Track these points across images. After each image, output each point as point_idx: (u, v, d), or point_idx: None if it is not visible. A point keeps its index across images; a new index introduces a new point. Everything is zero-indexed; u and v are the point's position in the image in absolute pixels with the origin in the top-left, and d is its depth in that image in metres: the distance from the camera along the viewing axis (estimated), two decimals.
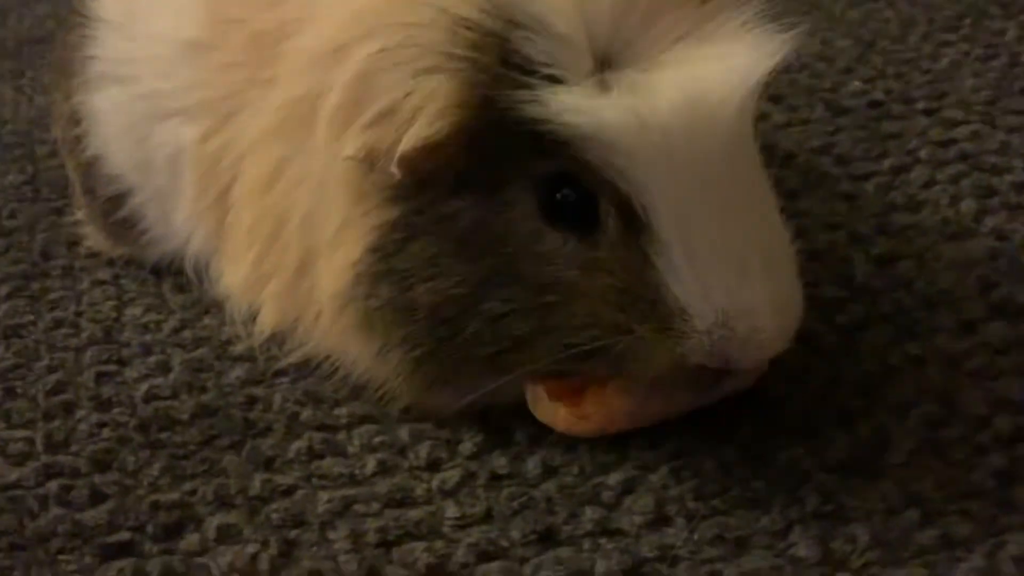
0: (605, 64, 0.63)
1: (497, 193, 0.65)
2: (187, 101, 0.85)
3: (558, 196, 0.64)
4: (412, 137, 0.62)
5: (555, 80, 0.61)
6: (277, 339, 0.82)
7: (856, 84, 1.16)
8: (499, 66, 0.62)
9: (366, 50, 0.66)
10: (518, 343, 0.67)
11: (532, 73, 0.61)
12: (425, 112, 0.62)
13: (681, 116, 0.61)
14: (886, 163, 1.02)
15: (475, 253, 0.66)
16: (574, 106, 0.60)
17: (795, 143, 1.07)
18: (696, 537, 0.66)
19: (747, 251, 0.63)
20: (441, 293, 0.67)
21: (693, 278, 0.63)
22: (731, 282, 0.63)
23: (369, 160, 0.65)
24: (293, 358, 0.81)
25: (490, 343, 0.67)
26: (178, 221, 0.90)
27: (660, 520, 0.68)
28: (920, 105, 1.11)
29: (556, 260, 0.65)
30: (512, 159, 0.64)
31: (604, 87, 0.62)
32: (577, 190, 0.64)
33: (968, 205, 0.95)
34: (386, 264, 0.68)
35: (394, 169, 0.64)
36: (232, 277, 0.84)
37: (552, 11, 0.62)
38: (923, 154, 1.03)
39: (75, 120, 0.95)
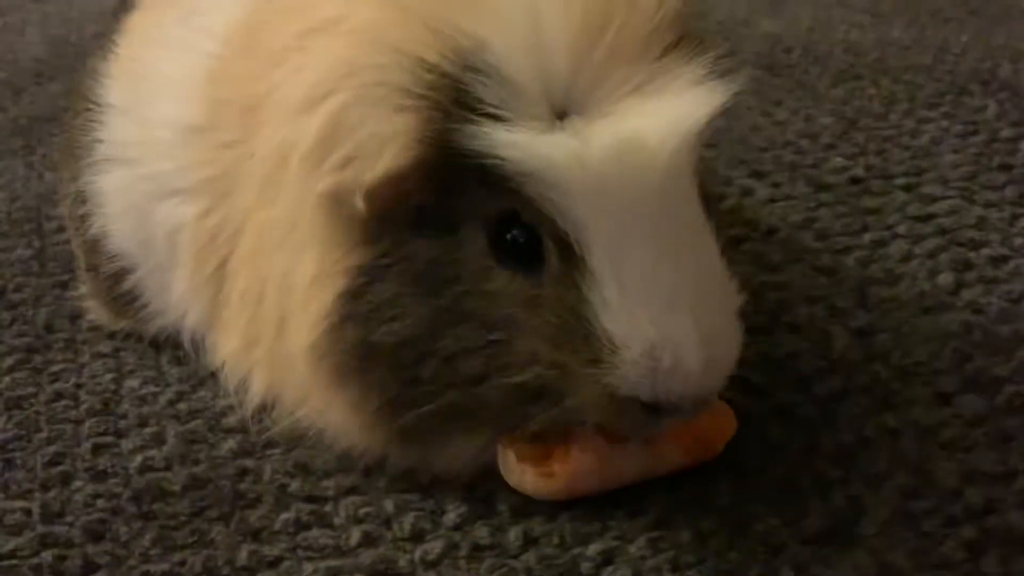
0: (562, 114, 0.66)
1: (452, 232, 0.69)
2: (187, 181, 0.88)
3: (508, 236, 0.68)
4: (376, 171, 0.66)
5: (503, 120, 0.65)
6: (268, 408, 0.84)
7: (838, 160, 1.20)
8: (453, 105, 0.66)
9: (337, 95, 0.69)
10: (470, 383, 0.69)
11: (484, 114, 0.65)
12: (388, 147, 0.66)
13: (614, 158, 0.64)
14: (866, 237, 1.05)
15: (431, 292, 0.69)
16: (516, 142, 0.64)
17: (778, 218, 1.11)
18: None
19: (677, 286, 0.66)
20: (399, 335, 0.70)
21: (623, 310, 0.66)
22: (659, 314, 0.66)
23: (338, 197, 0.69)
24: (282, 427, 0.82)
25: (447, 385, 0.70)
26: (176, 295, 0.92)
27: None
28: (900, 181, 1.14)
29: (503, 298, 0.68)
30: (466, 196, 0.68)
31: (547, 129, 0.65)
32: (525, 230, 0.68)
33: (945, 279, 0.97)
34: (352, 307, 0.70)
35: (360, 203, 0.68)
36: (226, 347, 0.86)
37: (507, 61, 0.66)
38: (902, 229, 1.06)
39: (81, 200, 0.99)
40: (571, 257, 0.67)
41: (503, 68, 0.66)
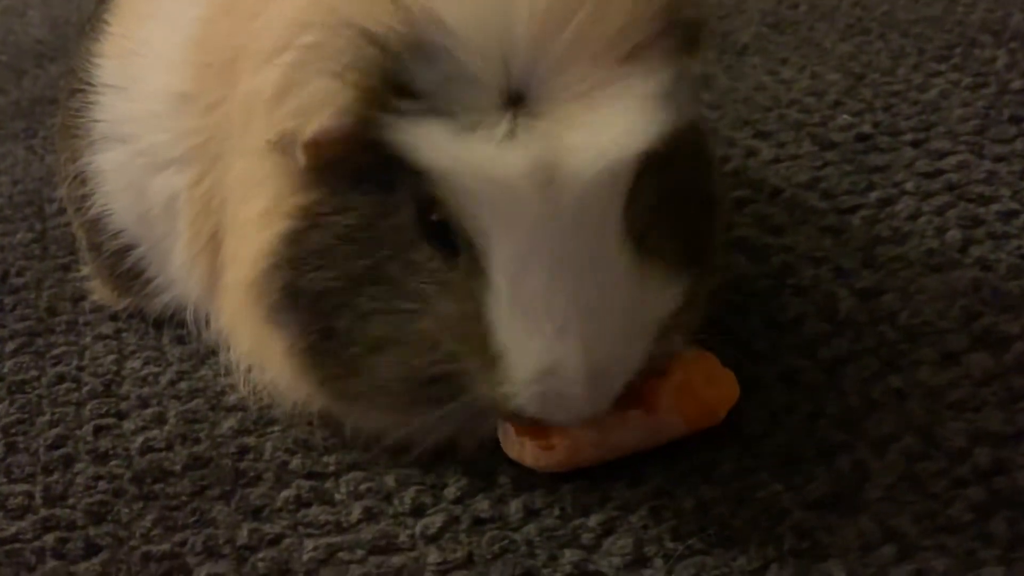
0: (512, 102, 0.63)
1: (389, 195, 0.68)
2: (179, 150, 0.88)
3: (433, 218, 0.66)
4: (310, 129, 0.66)
5: (435, 112, 0.63)
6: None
7: (844, 118, 1.17)
8: (384, 84, 0.64)
9: (291, 48, 0.69)
10: (374, 347, 0.69)
11: (416, 100, 0.63)
12: (322, 109, 0.66)
13: (527, 178, 0.62)
14: (872, 196, 1.03)
15: (358, 249, 0.69)
16: (430, 143, 0.62)
17: (782, 178, 1.08)
18: None
19: (571, 312, 0.64)
20: (324, 284, 0.69)
21: (516, 328, 0.64)
22: (548, 341, 0.64)
23: (283, 147, 0.68)
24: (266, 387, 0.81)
25: (354, 342, 0.69)
26: (176, 266, 0.92)
27: (639, 561, 0.69)
28: (907, 137, 1.11)
29: (421, 271, 0.67)
30: (399, 167, 0.66)
31: (470, 129, 0.63)
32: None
33: (953, 236, 0.95)
34: (287, 251, 0.70)
35: (299, 154, 0.67)
36: (225, 314, 0.85)
37: (458, 42, 0.63)
38: (909, 186, 1.03)
39: (81, 180, 0.99)
40: (478, 260, 0.65)
41: (452, 50, 0.63)
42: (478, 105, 0.63)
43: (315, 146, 0.67)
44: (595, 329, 0.65)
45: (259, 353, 0.78)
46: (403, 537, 0.73)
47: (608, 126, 0.63)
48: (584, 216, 0.64)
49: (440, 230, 0.66)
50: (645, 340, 0.69)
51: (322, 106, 0.66)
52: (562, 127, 0.63)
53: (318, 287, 0.70)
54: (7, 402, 0.92)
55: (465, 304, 0.66)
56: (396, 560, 0.71)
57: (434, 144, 0.62)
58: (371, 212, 0.68)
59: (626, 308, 0.66)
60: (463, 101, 0.63)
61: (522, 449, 0.75)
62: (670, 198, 0.70)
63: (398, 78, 0.64)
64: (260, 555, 0.73)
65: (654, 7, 0.66)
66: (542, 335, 0.64)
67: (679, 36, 0.67)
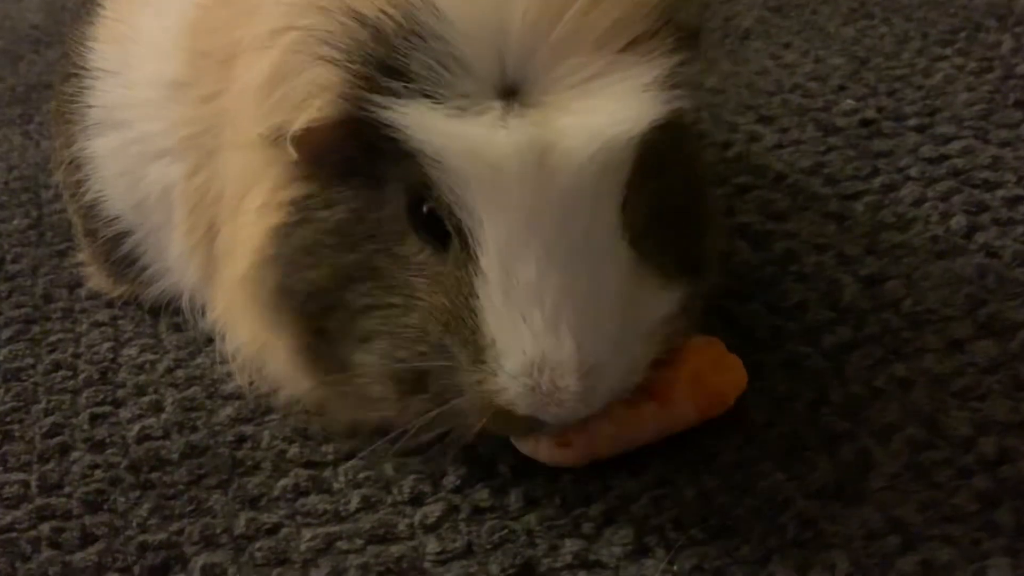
0: (507, 91, 0.62)
1: (377, 188, 0.67)
2: (173, 140, 0.87)
3: (423, 208, 0.65)
4: (301, 120, 0.65)
5: (427, 94, 0.62)
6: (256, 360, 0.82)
7: (848, 102, 1.16)
8: (378, 69, 0.63)
9: (289, 34, 0.68)
10: (366, 341, 0.68)
11: (408, 82, 0.62)
12: (314, 99, 0.65)
13: (519, 159, 0.61)
14: (876, 182, 1.02)
15: (347, 245, 0.68)
16: (423, 124, 0.61)
17: (786, 164, 1.07)
18: (675, 568, 0.66)
19: (564, 302, 0.62)
20: (314, 283, 0.69)
21: (506, 318, 0.62)
22: (540, 333, 0.62)
23: (274, 139, 0.68)
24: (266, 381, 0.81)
25: (348, 339, 0.68)
26: (173, 256, 0.91)
27: (640, 551, 0.68)
28: (912, 122, 1.10)
29: (410, 265, 0.66)
30: (390, 157, 0.65)
31: (463, 112, 0.62)
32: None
33: (958, 222, 0.94)
34: (278, 247, 0.70)
35: (290, 148, 0.66)
36: (221, 306, 0.84)
37: (452, 29, 0.62)
38: (914, 171, 1.02)
39: (76, 166, 0.98)
40: (468, 247, 0.64)
41: (445, 35, 0.62)
42: (470, 91, 0.62)
43: (306, 137, 0.65)
44: (589, 322, 0.62)
45: (257, 347, 0.77)
46: (402, 526, 0.72)
47: (603, 110, 0.61)
48: (578, 200, 0.62)
49: (430, 221, 0.65)
50: (639, 344, 0.66)
51: (312, 96, 0.65)
52: (556, 112, 0.62)
53: (308, 287, 0.69)
54: (2, 390, 0.91)
55: (454, 297, 0.64)
56: (395, 549, 0.70)
57: (426, 125, 0.61)
58: (360, 206, 0.67)
59: (622, 304, 0.64)
60: (456, 86, 0.62)
61: (536, 446, 0.73)
62: (664, 210, 0.69)
63: (390, 61, 0.63)
64: (258, 544, 0.72)
65: (650, 3, 0.65)
66: (533, 324, 0.62)
67: (674, 36, 0.66)
